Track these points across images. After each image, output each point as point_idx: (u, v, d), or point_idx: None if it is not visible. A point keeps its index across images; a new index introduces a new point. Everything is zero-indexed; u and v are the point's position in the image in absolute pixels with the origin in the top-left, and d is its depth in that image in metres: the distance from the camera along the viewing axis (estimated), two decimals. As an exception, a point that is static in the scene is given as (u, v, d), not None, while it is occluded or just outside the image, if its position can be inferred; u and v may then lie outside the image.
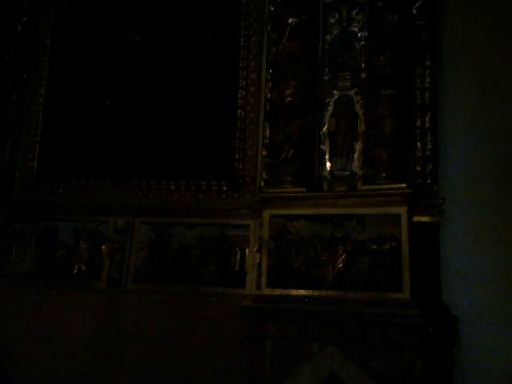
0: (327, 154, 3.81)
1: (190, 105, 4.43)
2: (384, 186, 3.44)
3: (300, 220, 3.59)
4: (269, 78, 4.18)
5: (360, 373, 3.14)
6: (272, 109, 4.01)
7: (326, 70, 3.95)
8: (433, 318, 3.22)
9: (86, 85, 4.73)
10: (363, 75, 3.82)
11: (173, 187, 4.29)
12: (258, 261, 3.82)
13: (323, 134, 3.86)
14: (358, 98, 3.83)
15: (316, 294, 3.40)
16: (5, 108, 4.81)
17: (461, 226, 3.59)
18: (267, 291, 3.54)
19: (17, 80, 4.87)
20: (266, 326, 3.42)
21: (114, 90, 4.64)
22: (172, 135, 4.39)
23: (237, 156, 4.20)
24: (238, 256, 4.00)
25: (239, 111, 4.27)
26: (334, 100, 3.90)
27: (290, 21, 3.93)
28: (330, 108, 3.89)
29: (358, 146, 3.73)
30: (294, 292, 3.47)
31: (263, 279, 3.57)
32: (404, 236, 3.29)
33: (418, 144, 3.69)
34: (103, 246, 4.28)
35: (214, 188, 4.21)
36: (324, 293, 3.39)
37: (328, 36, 4.03)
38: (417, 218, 3.50)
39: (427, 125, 3.71)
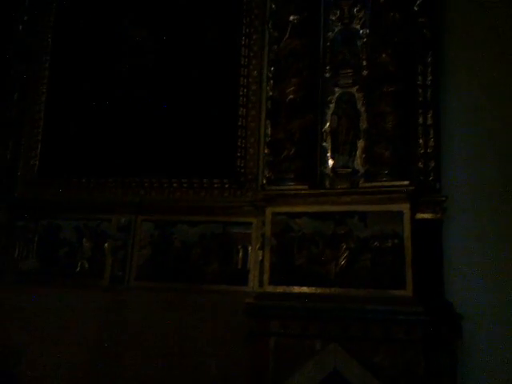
0: (329, 151, 3.82)
1: (191, 103, 4.42)
2: (386, 184, 3.44)
3: (302, 217, 3.59)
4: (270, 75, 4.17)
5: (363, 370, 3.15)
6: (273, 106, 4.01)
7: (328, 68, 3.96)
8: (436, 316, 3.22)
9: (88, 83, 4.72)
10: (365, 72, 3.83)
11: (175, 185, 4.29)
12: (260, 258, 3.82)
13: (325, 131, 3.86)
14: (360, 95, 3.83)
15: (319, 291, 3.41)
16: (6, 107, 4.80)
17: (463, 223, 3.58)
18: (270, 288, 3.54)
19: (18, 79, 4.86)
20: (268, 323, 3.43)
21: (116, 88, 4.64)
22: (174, 133, 4.39)
23: (239, 154, 4.20)
24: (241, 254, 3.99)
25: (241, 109, 4.27)
26: (335, 97, 3.90)
27: (291, 18, 3.93)
28: (332, 105, 3.89)
29: (360, 143, 3.74)
30: (296, 289, 3.47)
31: (266, 276, 3.58)
32: (406, 233, 3.30)
33: (421, 141, 3.68)
34: (106, 244, 4.28)
35: (216, 186, 4.21)
36: (327, 290, 3.39)
37: (329, 33, 4.03)
38: (419, 216, 3.49)
39: (429, 122, 3.70)
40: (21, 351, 4.13)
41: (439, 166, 3.65)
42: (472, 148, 3.72)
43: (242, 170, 4.17)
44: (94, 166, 4.52)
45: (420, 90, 3.76)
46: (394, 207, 3.38)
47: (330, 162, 3.80)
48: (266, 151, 4.08)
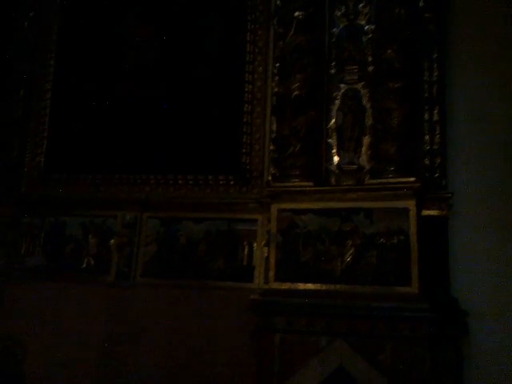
0: (335, 147, 3.80)
1: (196, 100, 4.41)
2: (392, 180, 3.43)
3: (308, 214, 3.59)
4: (275, 72, 4.15)
5: (368, 366, 3.15)
6: (279, 103, 4.00)
7: (333, 64, 3.94)
8: (442, 312, 3.21)
9: (93, 80, 4.72)
10: (370, 68, 3.81)
11: (180, 182, 4.29)
12: (265, 255, 3.82)
13: (330, 127, 3.84)
14: (366, 91, 3.81)
15: (324, 287, 3.41)
16: (12, 104, 4.81)
17: (470, 219, 3.57)
18: (275, 285, 3.55)
19: (24, 76, 4.87)
20: (274, 319, 3.44)
21: (121, 84, 4.63)
22: (179, 130, 4.39)
23: (244, 150, 4.19)
24: (246, 250, 3.99)
25: (246, 105, 4.26)
26: (340, 94, 3.88)
27: (296, 14, 3.92)
28: (337, 102, 3.87)
29: (366, 139, 3.72)
30: (302, 286, 3.48)
31: (271, 273, 3.58)
32: (412, 230, 3.29)
33: (427, 137, 3.65)
34: (111, 241, 4.30)
35: (221, 182, 4.21)
36: (332, 287, 3.39)
37: (335, 29, 4.00)
38: (425, 212, 3.48)
39: (435, 118, 3.68)
40: (28, 345, 4.15)
41: (445, 163, 3.63)
42: (478, 144, 3.70)
43: (248, 167, 4.17)
44: (100, 163, 4.53)
45: (426, 86, 3.73)
46: (400, 204, 3.37)
47: (336, 159, 3.78)
48: (271, 148, 4.06)
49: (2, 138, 4.77)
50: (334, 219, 3.51)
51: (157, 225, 4.25)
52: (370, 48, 3.84)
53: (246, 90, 4.29)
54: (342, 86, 3.89)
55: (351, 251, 3.40)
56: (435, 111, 3.70)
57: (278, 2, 4.21)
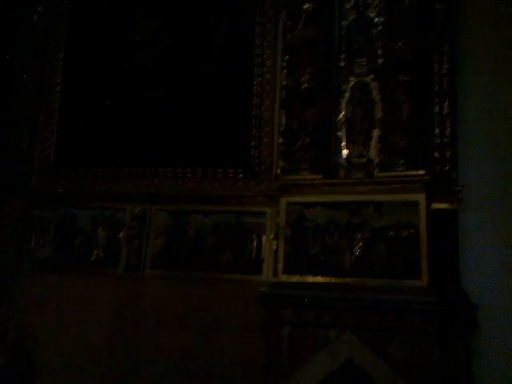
0: (344, 140, 3.79)
1: (205, 93, 4.42)
2: (402, 173, 3.42)
3: (317, 207, 3.59)
4: (284, 65, 4.12)
5: (377, 359, 3.15)
6: (288, 96, 3.98)
7: (342, 56, 3.92)
8: (451, 306, 3.21)
9: (102, 73, 4.74)
10: (380, 61, 3.78)
11: (189, 175, 4.31)
12: (274, 248, 3.84)
13: (339, 120, 3.83)
14: (375, 84, 3.79)
15: (333, 280, 3.41)
16: (22, 98, 4.84)
17: (480, 212, 3.55)
18: (284, 278, 3.55)
19: (33, 69, 4.89)
20: (283, 312, 3.44)
21: (130, 77, 4.65)
22: (188, 123, 4.39)
23: (253, 143, 4.19)
24: (255, 243, 4.00)
25: (255, 98, 4.26)
26: (350, 86, 3.86)
27: (305, 7, 3.90)
28: (347, 94, 3.85)
29: (375, 132, 3.70)
30: (310, 279, 3.48)
31: (280, 266, 3.59)
32: (422, 223, 3.28)
33: (437, 130, 3.62)
34: (121, 233, 4.32)
35: (230, 175, 4.22)
36: (341, 280, 3.39)
37: (344, 22, 3.98)
38: (435, 206, 3.45)
39: (446, 111, 3.65)
40: (38, 337, 4.18)
41: (455, 156, 3.60)
42: (489, 137, 3.67)
43: (256, 160, 4.17)
44: (109, 156, 4.55)
45: (436, 79, 3.70)
46: (410, 197, 3.36)
47: (345, 152, 3.77)
48: (280, 141, 4.05)
49: (12, 132, 4.80)
50: (343, 212, 3.50)
51: (166, 217, 4.27)
52: (380, 40, 3.81)
53: (255, 83, 4.29)
54: (352, 78, 3.87)
55: (360, 244, 3.39)
56: (445, 104, 3.67)
57: (287, -5, 4.19)
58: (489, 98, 3.73)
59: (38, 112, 4.87)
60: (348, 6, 3.99)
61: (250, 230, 4.05)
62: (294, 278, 3.52)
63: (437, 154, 3.60)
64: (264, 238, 3.99)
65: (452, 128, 3.64)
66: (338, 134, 3.81)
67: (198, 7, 4.59)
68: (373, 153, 3.69)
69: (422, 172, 3.38)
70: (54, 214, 4.56)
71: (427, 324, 3.13)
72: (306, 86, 3.79)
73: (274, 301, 3.50)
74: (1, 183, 4.60)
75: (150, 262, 4.22)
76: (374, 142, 3.70)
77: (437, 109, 3.67)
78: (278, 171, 3.99)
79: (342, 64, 3.91)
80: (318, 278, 3.46)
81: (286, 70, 4.08)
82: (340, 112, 3.84)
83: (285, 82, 4.06)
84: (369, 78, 3.83)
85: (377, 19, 3.88)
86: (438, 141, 3.63)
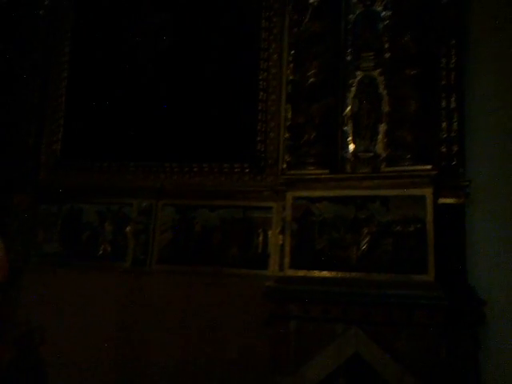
0: (350, 135, 3.78)
1: (211, 87, 4.41)
2: (408, 168, 3.41)
3: (323, 202, 3.59)
4: (290, 59, 4.12)
5: (384, 354, 3.15)
6: (294, 90, 3.98)
7: (349, 51, 3.91)
8: (458, 300, 3.21)
9: (108, 67, 4.73)
10: (387, 55, 3.77)
11: (195, 169, 4.31)
12: (280, 242, 3.84)
13: (346, 115, 3.82)
14: (382, 78, 3.78)
15: (340, 275, 3.42)
16: (29, 92, 4.84)
17: (487, 207, 3.53)
18: (290, 272, 3.56)
19: (40, 64, 4.89)
20: (289, 306, 3.45)
21: (136, 72, 4.64)
22: (194, 118, 4.39)
23: (259, 138, 4.19)
24: (261, 238, 4.00)
25: (261, 93, 4.24)
26: (356, 81, 3.85)
27: (311, 1, 3.89)
28: (353, 89, 3.85)
29: (382, 127, 3.69)
30: (317, 273, 3.48)
31: (286, 260, 3.59)
32: (429, 218, 3.27)
33: (444, 125, 3.61)
34: (128, 228, 4.34)
35: (236, 170, 4.21)
36: (348, 274, 3.40)
37: (350, 15, 3.96)
38: (442, 200, 3.44)
39: (453, 105, 3.63)
40: (46, 331, 4.20)
41: (463, 151, 3.59)
42: (496, 132, 3.64)
43: (263, 155, 4.16)
44: (116, 151, 4.55)
45: (443, 73, 3.68)
46: (417, 192, 3.35)
47: (351, 147, 3.77)
48: (286, 135, 4.05)
49: (19, 127, 4.81)
50: (350, 207, 3.50)
51: (172, 212, 4.28)
52: (387, 34, 3.79)
53: (261, 77, 4.27)
54: (358, 73, 3.86)
55: (367, 239, 3.39)
56: (452, 98, 3.66)
57: (294, -12, 4.18)
58: (497, 92, 3.70)
59: (45, 107, 4.88)
60: (355, -1, 3.97)
61: (256, 225, 4.05)
62: (301, 273, 3.52)
63: (444, 149, 3.59)
64: (270, 232, 3.99)
65: (459, 122, 3.62)
66: (345, 128, 3.81)
67: (203, 1, 4.57)
68: (379, 147, 3.69)
69: (429, 167, 3.37)
70: (61, 208, 4.58)
71: (434, 319, 3.13)
72: (312, 80, 3.78)
73: (281, 295, 3.51)
74: (8, 178, 4.61)
75: (157, 257, 4.23)
76: (380, 136, 3.70)
77: (444, 103, 3.66)
78: (284, 166, 3.99)
79: (349, 58, 3.90)
80: (325, 273, 3.46)
81: (292, 65, 4.09)
82: (346, 106, 3.83)
83: (291, 77, 4.07)
84: (375, 73, 3.82)
85: (384, 13, 3.86)
86: (445, 135, 3.61)
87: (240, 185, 4.18)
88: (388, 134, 3.63)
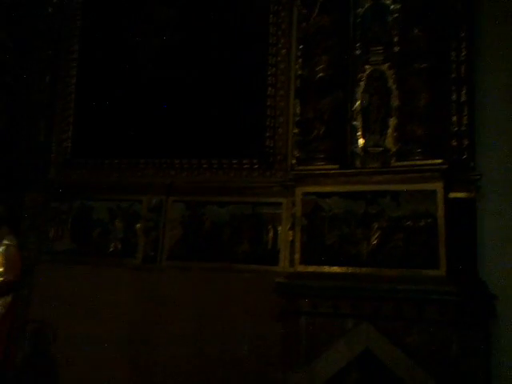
0: (360, 130, 3.77)
1: (220, 83, 4.40)
2: (419, 162, 3.39)
3: (333, 197, 3.58)
4: (299, 54, 4.11)
5: (395, 349, 3.15)
6: (303, 85, 3.97)
7: (358, 45, 3.89)
8: (469, 295, 3.19)
9: (117, 65, 4.74)
10: (396, 49, 3.75)
11: (205, 166, 4.31)
12: (290, 238, 3.83)
13: (355, 110, 3.81)
14: (391, 72, 3.76)
15: (350, 270, 3.41)
16: (38, 90, 4.87)
17: (498, 201, 3.50)
18: (301, 268, 3.56)
19: (49, 62, 4.91)
20: (300, 302, 3.46)
21: (145, 68, 4.64)
22: (203, 114, 4.39)
23: (268, 134, 4.18)
24: (271, 234, 4.00)
25: (270, 88, 4.23)
26: (366, 75, 3.84)
27: (320, -5, 3.87)
28: (362, 83, 3.83)
29: (392, 121, 3.68)
30: (327, 269, 3.48)
31: (297, 256, 3.60)
32: (440, 212, 3.26)
33: (454, 119, 3.58)
34: (138, 225, 4.36)
35: (245, 166, 4.21)
36: (358, 270, 3.39)
37: (359, 9, 3.94)
38: (453, 195, 3.42)
39: (463, 99, 3.60)
40: (57, 328, 4.24)
41: (473, 145, 3.56)
42: (507, 125, 3.61)
43: (272, 151, 4.16)
44: (126, 148, 4.57)
45: (454, 66, 3.65)
46: (427, 186, 3.33)
47: (361, 141, 3.75)
48: (295, 131, 4.04)
49: (29, 125, 4.84)
50: (360, 202, 3.49)
51: (182, 209, 4.29)
52: (396, 28, 3.77)
53: (270, 72, 4.26)
54: (367, 67, 3.84)
55: (377, 234, 3.38)
56: (463, 92, 3.62)
57: (302, -17, 4.15)
58: (508, 84, 3.66)
59: (55, 105, 4.90)
60: (363, -7, 3.94)
61: (265, 221, 4.05)
62: (311, 269, 3.52)
63: (454, 143, 3.56)
64: (280, 228, 3.98)
65: (470, 116, 3.59)
66: (354, 123, 3.80)
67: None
68: (389, 142, 3.67)
69: (439, 161, 3.35)
70: (72, 205, 4.61)
71: (445, 314, 3.13)
72: (321, 75, 3.77)
73: (291, 291, 3.52)
74: (19, 176, 4.64)
75: (167, 254, 4.25)
76: (390, 130, 3.68)
77: (454, 97, 3.62)
78: (294, 161, 3.98)
79: (358, 52, 3.88)
80: (335, 268, 3.46)
81: (300, 60, 4.07)
82: (356, 101, 3.82)
83: (300, 72, 4.05)
84: (385, 67, 3.80)
85: (393, 6, 3.84)
86: (456, 129, 3.58)
87: (249, 181, 4.18)
88: (398, 129, 3.62)
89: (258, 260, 4.00)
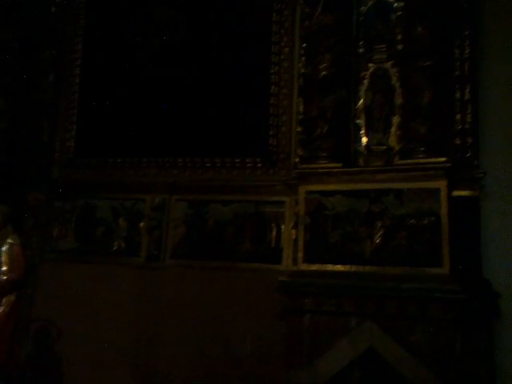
0: (363, 128, 3.77)
1: (222, 82, 4.40)
2: (422, 160, 3.39)
3: (336, 195, 3.58)
4: (302, 52, 4.11)
5: (399, 348, 3.15)
6: (306, 84, 3.97)
7: (361, 43, 3.88)
8: (473, 294, 3.18)
9: (120, 64, 4.74)
10: (399, 47, 3.74)
11: (208, 164, 4.31)
12: (293, 237, 3.82)
13: (358, 108, 3.81)
14: (395, 70, 3.75)
15: (353, 269, 3.41)
16: (42, 89, 4.88)
17: (502, 200, 3.49)
18: (304, 266, 3.56)
19: (53, 61, 4.92)
20: (303, 300, 3.46)
21: (148, 67, 4.65)
22: (206, 113, 4.39)
23: (271, 132, 4.17)
24: (274, 232, 4.00)
25: (273, 87, 4.23)
26: (369, 73, 3.83)
27: (323, -7, 3.86)
28: (366, 81, 3.82)
29: (395, 119, 3.67)
30: (330, 267, 3.48)
31: (300, 255, 3.59)
32: (444, 211, 3.25)
33: (458, 117, 3.57)
34: (141, 224, 4.36)
35: (248, 165, 4.21)
36: (361, 268, 3.39)
37: (363, 7, 3.93)
38: (456, 193, 3.41)
39: (467, 97, 3.59)
40: (61, 326, 4.25)
41: (477, 143, 3.55)
42: (511, 123, 3.60)
43: (275, 149, 4.15)
44: (129, 147, 4.57)
45: (457, 64, 3.64)
46: (431, 184, 3.33)
47: (364, 140, 3.75)
48: (298, 129, 4.04)
49: (33, 124, 4.85)
50: (363, 200, 3.49)
51: (185, 207, 4.29)
52: (399, 26, 3.76)
53: (273, 71, 4.26)
54: (371, 65, 3.83)
55: (381, 232, 3.38)
56: (467, 90, 3.61)
57: (305, -19, 4.14)
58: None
59: (58, 104, 4.91)
60: (367, -9, 3.93)
61: (269, 219, 4.05)
62: (314, 267, 3.52)
63: (458, 141, 3.55)
64: (283, 227, 3.98)
65: (473, 114, 3.58)
66: (357, 121, 3.79)
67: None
68: (392, 140, 3.66)
69: (443, 159, 3.34)
70: (75, 204, 4.62)
71: (449, 312, 3.11)
72: (324, 73, 3.76)
73: (294, 289, 3.51)
74: (22, 176, 4.66)
75: (170, 252, 4.25)
76: (393, 129, 3.68)
77: (458, 95, 3.61)
78: (297, 160, 3.98)
79: (361, 50, 3.87)
80: (338, 267, 3.46)
81: (303, 58, 4.07)
82: (359, 99, 3.81)
83: (303, 70, 4.05)
84: (388, 65, 3.79)
85: (396, 4, 3.82)
86: (460, 127, 3.57)
87: (252, 179, 4.17)
88: (401, 127, 3.61)
89: (261, 258, 4.00)
